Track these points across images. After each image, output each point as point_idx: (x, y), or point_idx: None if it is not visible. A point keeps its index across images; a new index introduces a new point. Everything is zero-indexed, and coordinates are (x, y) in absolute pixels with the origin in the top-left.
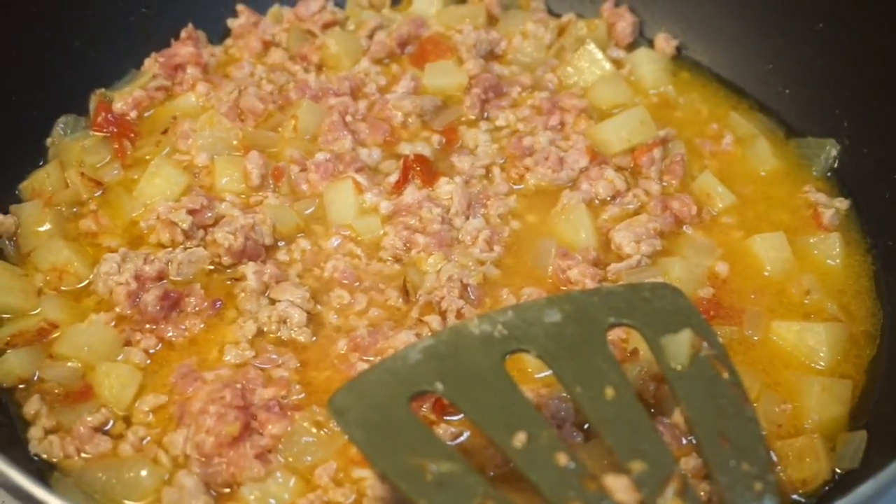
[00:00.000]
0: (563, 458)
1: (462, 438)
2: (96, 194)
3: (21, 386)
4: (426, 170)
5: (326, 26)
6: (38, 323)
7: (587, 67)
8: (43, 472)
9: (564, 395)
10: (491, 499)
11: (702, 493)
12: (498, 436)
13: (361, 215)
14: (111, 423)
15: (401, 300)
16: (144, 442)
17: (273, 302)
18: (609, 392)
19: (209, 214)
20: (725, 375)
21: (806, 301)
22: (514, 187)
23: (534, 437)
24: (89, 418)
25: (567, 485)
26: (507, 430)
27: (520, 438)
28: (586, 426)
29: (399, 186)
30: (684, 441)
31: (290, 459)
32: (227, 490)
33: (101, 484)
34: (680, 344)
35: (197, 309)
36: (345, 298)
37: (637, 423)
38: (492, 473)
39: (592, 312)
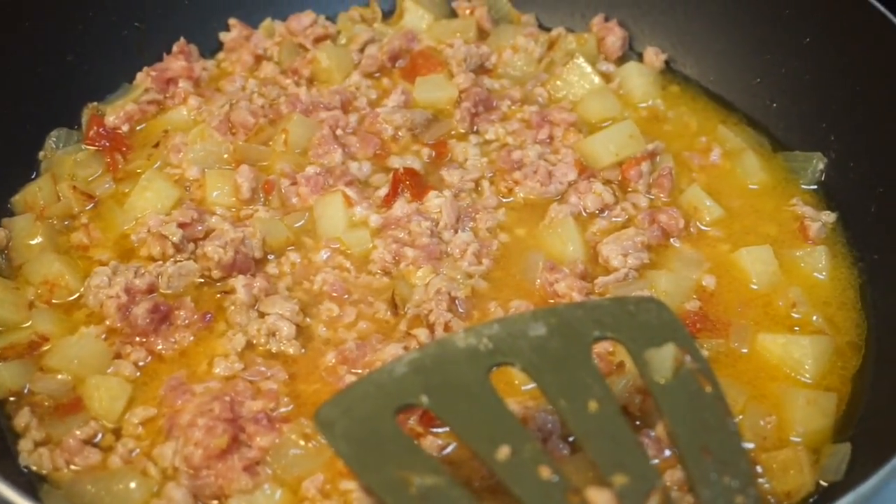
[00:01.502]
0: (546, 472)
1: (448, 450)
2: (88, 208)
3: (11, 398)
4: (416, 183)
5: (318, 40)
6: (28, 336)
7: (577, 81)
8: (33, 484)
9: (551, 407)
10: None
11: None
12: (482, 449)
13: (351, 228)
14: (101, 435)
15: (389, 313)
16: (134, 454)
17: (262, 315)
18: (593, 405)
19: (200, 228)
20: (708, 389)
21: (792, 314)
22: (503, 200)
23: (517, 451)
24: (79, 431)
25: (550, 498)
26: (490, 444)
27: (503, 452)
28: (572, 438)
29: (389, 200)
30: (668, 453)
31: (278, 471)
32: (216, 502)
33: (91, 496)
34: (663, 358)
35: (187, 322)
36: (334, 311)
37: (620, 436)
38: (477, 485)
39: (577, 326)
